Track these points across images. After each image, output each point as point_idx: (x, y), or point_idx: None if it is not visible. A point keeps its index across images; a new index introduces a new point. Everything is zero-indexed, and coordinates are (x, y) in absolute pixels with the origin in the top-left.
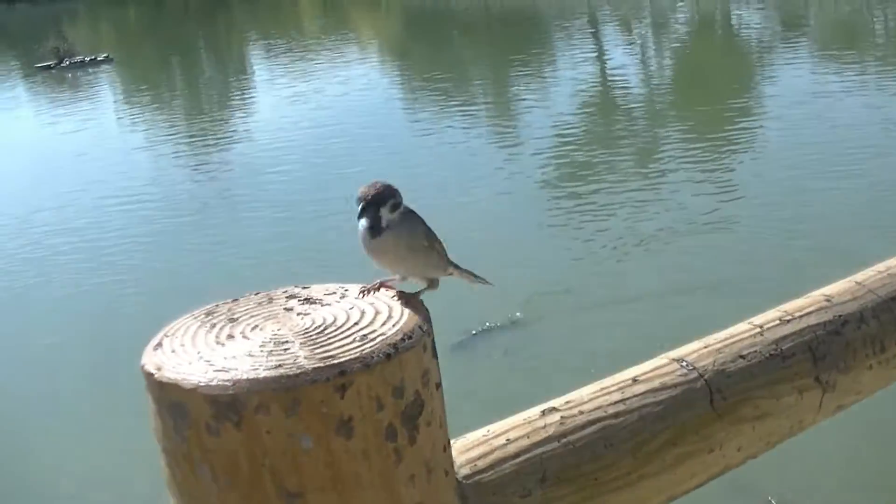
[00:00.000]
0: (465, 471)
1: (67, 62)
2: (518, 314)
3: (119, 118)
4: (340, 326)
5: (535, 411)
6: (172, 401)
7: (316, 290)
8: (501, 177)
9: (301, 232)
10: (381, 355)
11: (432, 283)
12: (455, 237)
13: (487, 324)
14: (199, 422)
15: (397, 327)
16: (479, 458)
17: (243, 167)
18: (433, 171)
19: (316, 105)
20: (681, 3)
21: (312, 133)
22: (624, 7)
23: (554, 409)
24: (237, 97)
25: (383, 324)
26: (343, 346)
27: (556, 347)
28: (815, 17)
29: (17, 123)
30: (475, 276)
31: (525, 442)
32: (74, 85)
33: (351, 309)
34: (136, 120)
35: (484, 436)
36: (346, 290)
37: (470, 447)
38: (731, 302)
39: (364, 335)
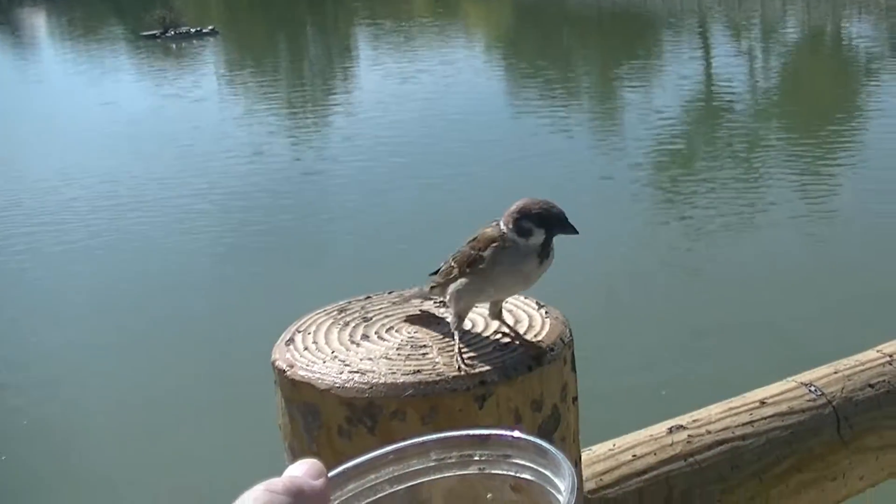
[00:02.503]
0: (590, 485)
1: (172, 32)
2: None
3: (220, 91)
4: (479, 333)
5: (661, 428)
6: (304, 400)
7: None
8: (599, 168)
9: (395, 206)
10: (523, 367)
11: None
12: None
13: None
14: (331, 424)
15: (539, 338)
16: (605, 472)
17: (343, 143)
18: (532, 158)
19: (420, 88)
20: (792, 10)
21: (414, 114)
22: (735, 11)
23: (682, 427)
24: (340, 76)
25: (524, 333)
26: (483, 354)
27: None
28: None
29: (119, 89)
30: None
31: (652, 459)
32: (178, 55)
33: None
34: (238, 93)
35: (610, 450)
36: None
37: (596, 461)
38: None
39: (505, 344)
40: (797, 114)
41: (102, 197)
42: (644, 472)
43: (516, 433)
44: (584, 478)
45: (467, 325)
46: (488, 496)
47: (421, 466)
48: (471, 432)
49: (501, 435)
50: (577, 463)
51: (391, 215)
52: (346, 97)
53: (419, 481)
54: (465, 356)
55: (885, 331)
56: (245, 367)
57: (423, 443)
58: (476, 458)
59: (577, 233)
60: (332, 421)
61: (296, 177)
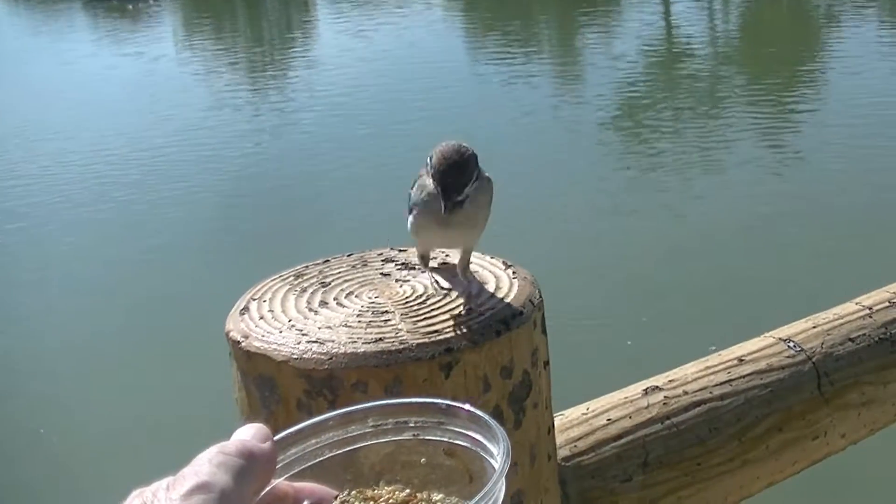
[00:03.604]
0: (564, 452)
1: None
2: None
3: (179, 50)
4: (444, 296)
5: (636, 389)
6: (260, 373)
7: (414, 254)
8: (561, 115)
9: (355, 164)
10: (490, 332)
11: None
12: (511, 180)
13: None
14: (289, 397)
15: (507, 300)
16: (580, 438)
17: (303, 99)
18: (494, 107)
19: (380, 41)
20: None
21: (374, 68)
22: None
23: (657, 389)
24: (299, 31)
25: (491, 295)
26: (447, 320)
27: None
28: None
29: (75, 50)
30: None
31: (627, 423)
32: (135, 15)
33: (454, 277)
34: (196, 50)
35: (583, 414)
36: (447, 256)
37: (569, 426)
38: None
39: (470, 308)
40: (759, 56)
41: (59, 155)
42: (620, 436)
43: (449, 402)
44: (557, 444)
45: (430, 287)
46: (422, 461)
47: (359, 432)
48: (405, 400)
49: (435, 403)
50: (549, 430)
51: (350, 173)
52: (306, 52)
53: (357, 446)
54: (426, 319)
55: (861, 280)
56: (200, 337)
57: (362, 410)
58: (411, 424)
59: (442, 211)
60: (290, 394)
61: (255, 135)
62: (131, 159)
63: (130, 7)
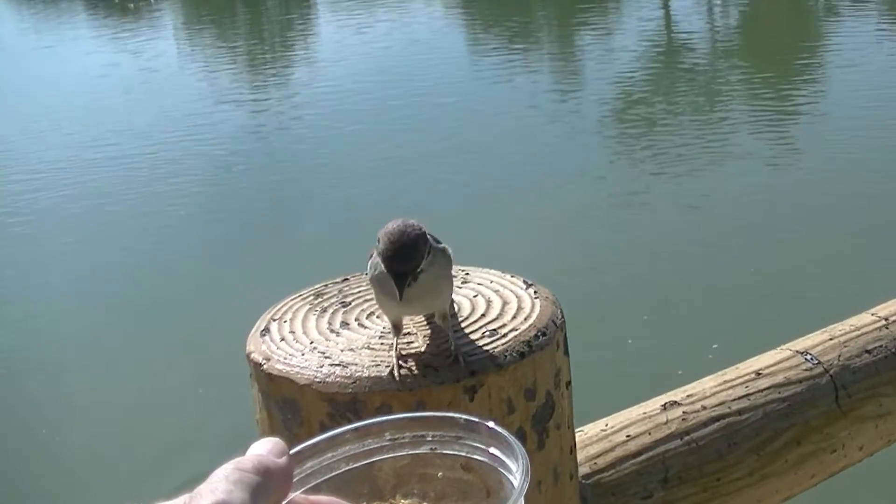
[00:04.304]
0: (584, 469)
1: None
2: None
3: (180, 48)
4: (466, 318)
5: (654, 405)
6: (283, 395)
7: None
8: (562, 112)
9: (358, 167)
10: (514, 354)
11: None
12: (512, 175)
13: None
14: (312, 420)
15: (530, 321)
16: (599, 455)
17: (305, 99)
18: (493, 107)
19: (380, 37)
20: None
21: (375, 64)
22: None
23: (676, 404)
24: (300, 28)
25: (514, 316)
26: (471, 342)
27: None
28: None
29: (77, 50)
30: None
31: (647, 439)
32: (136, 14)
33: (475, 297)
34: (198, 49)
35: (602, 430)
36: (467, 274)
37: (588, 443)
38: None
39: (494, 330)
40: (758, 50)
41: (60, 153)
42: (639, 453)
43: (467, 417)
44: (577, 462)
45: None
46: (439, 475)
47: (376, 445)
48: (423, 414)
49: (452, 417)
50: (572, 450)
51: (351, 167)
52: (307, 49)
53: (374, 459)
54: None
55: (873, 286)
56: (206, 339)
57: (379, 423)
58: (429, 438)
59: (398, 298)
60: (313, 417)
61: (256, 131)
62: (132, 157)
63: (131, 5)
